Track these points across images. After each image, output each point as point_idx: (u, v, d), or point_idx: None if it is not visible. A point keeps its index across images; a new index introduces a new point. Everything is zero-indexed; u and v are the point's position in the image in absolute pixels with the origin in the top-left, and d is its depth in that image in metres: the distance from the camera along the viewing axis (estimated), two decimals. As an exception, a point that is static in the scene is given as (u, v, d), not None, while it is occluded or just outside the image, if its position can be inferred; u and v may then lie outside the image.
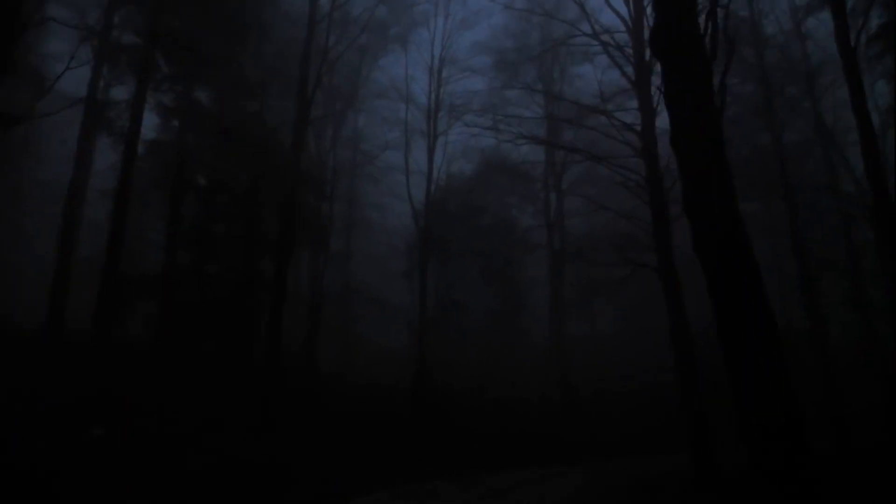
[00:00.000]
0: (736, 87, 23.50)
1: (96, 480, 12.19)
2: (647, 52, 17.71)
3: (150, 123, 22.83)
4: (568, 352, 34.18)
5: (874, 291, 23.92)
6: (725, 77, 9.30)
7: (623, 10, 19.12)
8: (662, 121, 16.60)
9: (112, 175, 22.39)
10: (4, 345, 17.32)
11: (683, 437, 16.49)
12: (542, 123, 33.67)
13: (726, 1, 10.42)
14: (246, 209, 24.39)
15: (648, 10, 17.75)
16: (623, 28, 19.18)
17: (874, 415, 21.01)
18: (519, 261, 38.58)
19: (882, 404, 20.13)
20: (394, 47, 33.05)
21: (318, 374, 29.53)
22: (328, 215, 32.75)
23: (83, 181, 23.41)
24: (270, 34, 24.51)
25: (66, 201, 21.69)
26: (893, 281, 15.92)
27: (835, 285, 25.58)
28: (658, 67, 15.69)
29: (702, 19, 9.06)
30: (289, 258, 23.07)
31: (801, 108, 25.52)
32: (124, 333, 21.03)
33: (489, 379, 31.18)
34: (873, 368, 23.24)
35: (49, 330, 19.57)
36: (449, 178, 35.08)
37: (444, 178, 35.29)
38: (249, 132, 22.80)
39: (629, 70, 18.92)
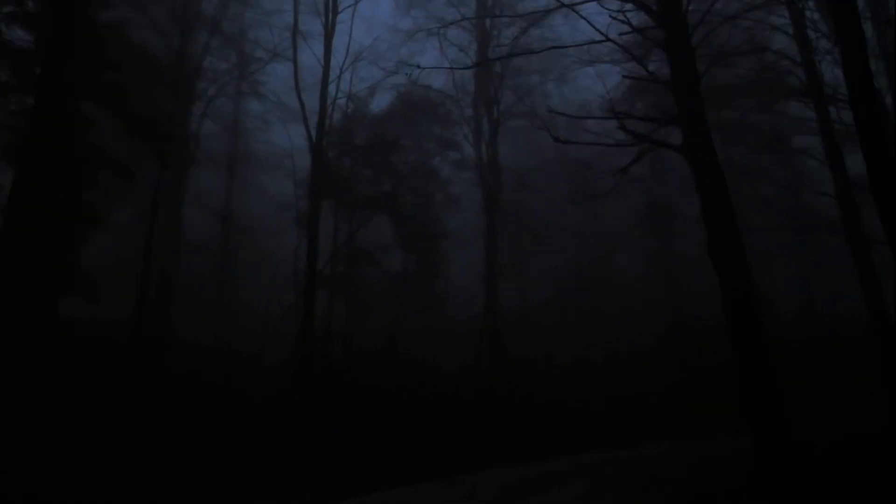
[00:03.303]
0: None
1: None
2: None
3: None
4: (501, 323, 27.99)
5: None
6: None
7: None
8: None
9: None
10: None
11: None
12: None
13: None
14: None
15: None
16: None
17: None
18: (438, 218, 32.14)
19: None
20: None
21: (176, 345, 21.85)
22: (195, 138, 24.96)
23: None
24: None
25: None
26: None
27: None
28: None
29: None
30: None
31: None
32: None
33: (400, 348, 24.56)
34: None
35: None
36: (356, 103, 27.90)
37: (350, 105, 28.12)
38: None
39: None
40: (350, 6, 21.86)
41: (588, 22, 11.86)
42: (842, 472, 10.72)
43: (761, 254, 27.75)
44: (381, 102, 29.24)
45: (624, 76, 13.26)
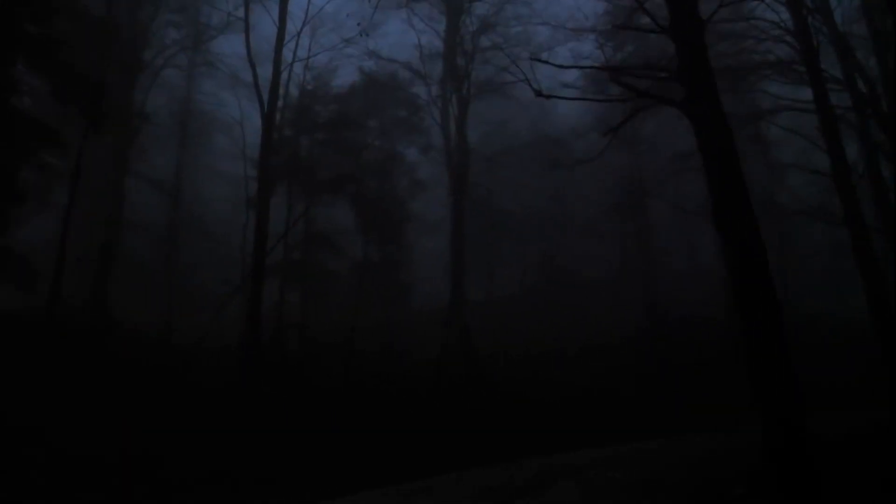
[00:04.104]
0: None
1: None
2: None
3: None
4: (469, 316, 26.48)
5: None
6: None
7: None
8: None
9: None
10: None
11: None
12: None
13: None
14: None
15: None
16: None
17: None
18: (403, 204, 30.43)
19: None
20: None
21: (113, 330, 19.77)
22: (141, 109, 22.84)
23: None
24: None
25: None
26: None
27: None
28: None
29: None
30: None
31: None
32: None
33: (361, 341, 22.83)
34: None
35: None
36: (316, 78, 26.06)
37: (308, 75, 26.29)
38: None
39: None
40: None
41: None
42: (857, 470, 9.53)
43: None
44: (344, 81, 27.46)
45: (614, 26, 11.78)
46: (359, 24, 14.29)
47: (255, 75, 19.15)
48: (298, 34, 20.07)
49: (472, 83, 25.63)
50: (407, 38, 28.00)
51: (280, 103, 25.06)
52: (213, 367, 17.18)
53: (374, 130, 29.02)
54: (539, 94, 10.38)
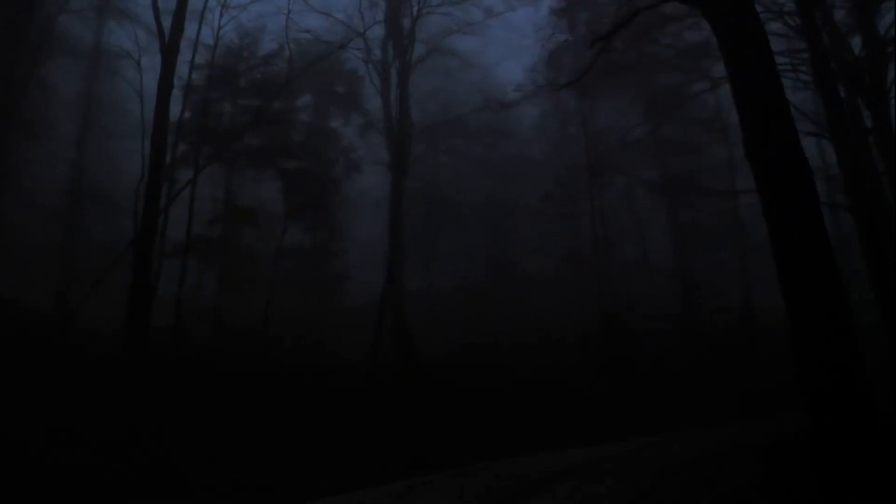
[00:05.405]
0: None
1: None
2: None
3: None
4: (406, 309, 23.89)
5: None
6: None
7: None
8: None
9: None
10: None
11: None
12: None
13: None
14: None
15: None
16: None
17: None
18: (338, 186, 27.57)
19: None
20: None
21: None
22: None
23: None
24: None
25: None
26: None
27: None
28: None
29: None
30: None
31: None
32: None
33: (287, 335, 19.94)
34: None
35: None
36: (244, 37, 23.02)
37: (236, 38, 23.26)
38: None
39: None
40: None
41: None
42: None
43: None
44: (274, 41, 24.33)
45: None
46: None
47: (156, 15, 15.78)
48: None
49: (416, 47, 22.97)
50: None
51: (199, 60, 22.02)
52: (97, 352, 13.95)
53: (307, 99, 26.21)
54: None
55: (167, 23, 16.08)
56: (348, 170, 27.42)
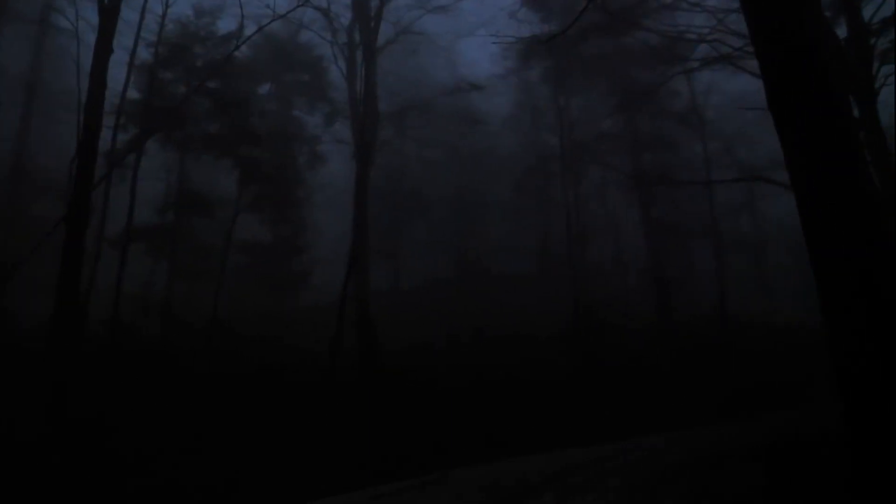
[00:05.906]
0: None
1: None
2: None
3: None
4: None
5: None
6: None
7: None
8: None
9: None
10: None
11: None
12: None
13: None
14: None
15: None
16: None
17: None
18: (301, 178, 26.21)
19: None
20: None
21: None
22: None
23: None
24: None
25: None
26: None
27: None
28: None
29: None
30: None
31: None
32: None
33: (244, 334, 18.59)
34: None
35: None
36: (201, 15, 21.61)
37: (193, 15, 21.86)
38: None
39: None
40: None
41: None
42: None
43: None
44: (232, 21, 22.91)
45: None
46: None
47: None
48: None
49: (384, 28, 21.75)
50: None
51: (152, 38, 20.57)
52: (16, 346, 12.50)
53: (269, 86, 24.85)
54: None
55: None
56: (312, 160, 26.11)
